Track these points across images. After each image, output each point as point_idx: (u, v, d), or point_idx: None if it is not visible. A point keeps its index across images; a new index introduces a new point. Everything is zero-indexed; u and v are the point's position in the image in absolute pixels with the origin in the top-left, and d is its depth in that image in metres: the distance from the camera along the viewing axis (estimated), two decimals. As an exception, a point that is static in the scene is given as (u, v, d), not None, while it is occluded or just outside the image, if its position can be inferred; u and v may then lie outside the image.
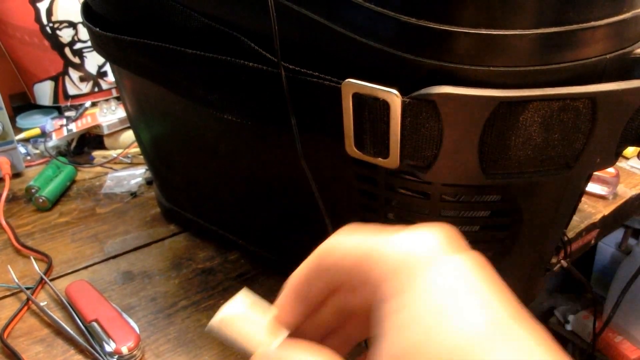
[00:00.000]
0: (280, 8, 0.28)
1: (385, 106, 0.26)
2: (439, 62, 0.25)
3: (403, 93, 0.25)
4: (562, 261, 0.41)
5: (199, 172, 0.43)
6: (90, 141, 0.65)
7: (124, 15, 0.38)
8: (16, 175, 0.58)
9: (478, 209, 0.31)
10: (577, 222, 0.50)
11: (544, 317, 0.98)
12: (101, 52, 0.41)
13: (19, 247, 0.46)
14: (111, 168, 0.60)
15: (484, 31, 0.24)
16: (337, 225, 0.33)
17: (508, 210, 0.30)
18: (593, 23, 0.25)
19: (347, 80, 0.26)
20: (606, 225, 0.52)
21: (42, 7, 0.65)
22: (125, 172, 0.58)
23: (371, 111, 0.26)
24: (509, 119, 0.25)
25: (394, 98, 0.25)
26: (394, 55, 0.26)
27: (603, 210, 0.51)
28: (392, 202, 0.31)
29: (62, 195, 0.55)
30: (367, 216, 0.33)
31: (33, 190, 0.53)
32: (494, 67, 0.25)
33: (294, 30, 0.28)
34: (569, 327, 0.93)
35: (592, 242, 0.53)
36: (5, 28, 0.68)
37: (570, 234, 0.48)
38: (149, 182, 0.57)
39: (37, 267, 0.42)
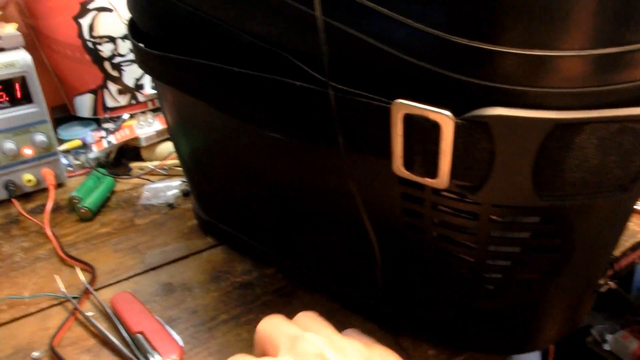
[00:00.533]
0: (329, 28, 0.28)
1: (436, 127, 0.26)
2: (490, 82, 0.25)
3: (453, 113, 0.25)
4: (609, 282, 0.40)
5: (238, 186, 0.44)
6: (127, 153, 0.67)
7: (169, 32, 0.40)
8: (59, 185, 0.60)
9: (527, 230, 0.30)
10: (622, 241, 0.48)
11: (580, 335, 0.95)
12: (145, 68, 0.43)
13: (64, 256, 0.47)
14: (148, 179, 0.61)
15: (537, 52, 0.24)
16: (381, 243, 0.33)
17: (559, 232, 0.30)
18: (651, 43, 0.24)
19: (397, 101, 0.26)
20: (651, 243, 0.50)
21: (85, 23, 0.68)
22: (162, 184, 0.59)
23: (421, 132, 0.26)
24: (564, 141, 0.25)
25: (446, 119, 0.25)
26: (443, 75, 0.26)
27: (648, 228, 0.50)
28: (437, 221, 0.31)
29: (103, 205, 0.56)
30: (411, 235, 0.33)
31: (75, 201, 0.55)
32: (548, 88, 0.25)
33: (342, 50, 0.28)
34: (607, 347, 0.90)
35: (637, 260, 0.51)
36: (50, 43, 0.70)
37: (616, 252, 0.47)
38: (185, 194, 0.58)
39: (82, 278, 0.44)
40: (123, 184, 0.61)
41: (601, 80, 0.25)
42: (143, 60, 0.41)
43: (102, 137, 0.66)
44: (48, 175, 0.58)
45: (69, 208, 0.56)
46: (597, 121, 0.24)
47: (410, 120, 0.26)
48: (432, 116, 0.26)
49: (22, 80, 0.56)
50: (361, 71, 0.28)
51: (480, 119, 0.25)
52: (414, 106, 0.26)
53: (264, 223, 0.44)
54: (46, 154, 0.59)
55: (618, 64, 0.24)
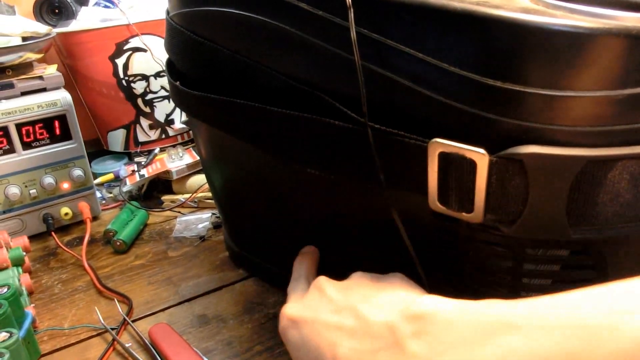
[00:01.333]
0: (366, 71, 0.30)
1: (471, 164, 0.27)
2: (522, 122, 0.26)
3: (487, 151, 0.27)
4: None
5: (271, 219, 0.45)
6: (159, 186, 0.69)
7: (208, 73, 0.42)
8: (94, 218, 0.62)
9: (561, 262, 0.31)
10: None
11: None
12: (182, 106, 0.45)
13: (102, 288, 0.49)
14: (179, 212, 0.63)
15: (566, 93, 0.26)
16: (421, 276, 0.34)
17: (592, 265, 0.30)
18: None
19: (434, 140, 0.28)
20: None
21: (120, 62, 0.71)
22: (193, 216, 0.61)
23: (457, 169, 0.28)
24: (597, 177, 0.26)
25: (481, 157, 0.27)
26: (477, 115, 0.27)
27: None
28: (471, 253, 0.32)
29: (137, 238, 0.58)
30: (446, 267, 0.33)
31: (111, 234, 0.57)
32: (579, 127, 0.26)
33: (379, 91, 0.30)
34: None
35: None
36: (86, 82, 0.74)
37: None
38: (216, 226, 0.59)
39: (120, 309, 0.45)
40: (155, 217, 0.63)
41: (630, 118, 0.26)
42: (180, 99, 0.44)
43: (134, 171, 0.69)
44: (85, 208, 0.60)
45: (104, 241, 0.57)
46: (628, 157, 0.25)
47: (446, 158, 0.28)
48: (468, 154, 0.27)
49: (63, 118, 0.59)
50: (398, 111, 0.30)
51: (515, 156, 0.26)
52: (450, 145, 0.27)
53: (296, 255, 0.45)
54: (83, 188, 0.61)
55: (646, 103, 0.26)
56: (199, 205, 0.64)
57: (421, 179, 0.29)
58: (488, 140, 0.27)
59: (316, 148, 0.33)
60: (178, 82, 0.45)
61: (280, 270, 0.47)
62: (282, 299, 0.46)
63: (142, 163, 0.71)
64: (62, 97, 0.58)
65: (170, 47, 0.45)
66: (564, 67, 0.25)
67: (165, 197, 0.66)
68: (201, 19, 0.40)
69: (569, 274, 0.31)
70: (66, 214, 0.60)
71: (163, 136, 0.76)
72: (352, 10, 0.29)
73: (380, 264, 0.38)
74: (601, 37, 0.25)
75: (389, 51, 0.29)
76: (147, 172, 0.68)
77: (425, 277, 0.35)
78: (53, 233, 0.57)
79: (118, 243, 0.55)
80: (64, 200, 0.60)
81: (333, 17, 0.31)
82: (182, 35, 0.42)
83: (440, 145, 0.27)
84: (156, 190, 0.69)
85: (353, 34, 0.29)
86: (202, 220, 0.60)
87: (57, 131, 0.59)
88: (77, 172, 0.60)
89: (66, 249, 0.55)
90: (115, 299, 0.47)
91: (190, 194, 0.65)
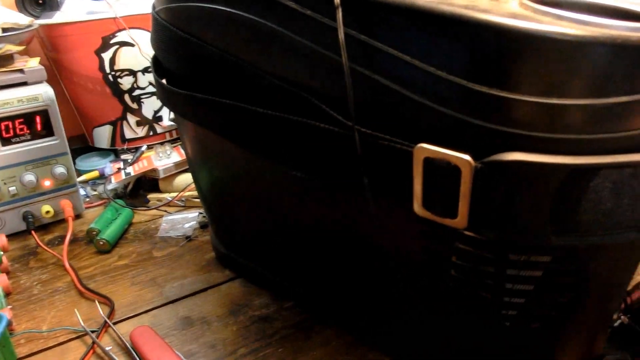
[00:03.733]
0: (354, 73, 0.29)
1: (456, 170, 0.27)
2: (508, 128, 0.26)
3: (473, 157, 0.26)
4: (622, 317, 0.40)
5: (257, 220, 0.45)
6: (145, 184, 0.68)
7: (194, 71, 0.41)
8: (77, 216, 0.61)
9: (542, 269, 0.31)
10: (634, 274, 0.49)
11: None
12: (168, 104, 0.44)
13: (83, 289, 0.48)
14: (166, 211, 0.62)
15: (553, 100, 0.25)
16: (401, 280, 0.33)
17: (573, 271, 0.30)
18: (662, 91, 0.26)
19: (419, 145, 0.27)
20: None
21: (106, 57, 0.70)
22: (179, 216, 0.61)
23: (442, 174, 0.27)
24: (580, 185, 0.26)
25: (465, 163, 0.26)
26: (463, 120, 0.27)
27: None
28: (455, 259, 0.32)
29: (121, 237, 0.57)
30: (430, 272, 0.33)
31: (94, 233, 0.56)
32: (564, 134, 0.26)
33: (366, 94, 0.30)
34: (620, 379, 0.89)
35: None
36: (71, 76, 0.73)
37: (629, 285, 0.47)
38: (202, 226, 0.58)
39: (101, 311, 0.44)
40: (141, 215, 0.62)
41: (614, 127, 0.26)
42: (166, 97, 0.43)
43: (120, 169, 0.68)
44: (67, 207, 0.59)
45: (87, 240, 0.57)
46: (611, 166, 0.25)
47: (431, 163, 0.28)
48: (453, 160, 0.27)
49: (44, 114, 0.57)
50: (384, 114, 0.30)
51: (499, 163, 0.26)
52: (436, 150, 0.27)
53: (282, 257, 0.45)
54: (65, 185, 0.60)
55: (630, 111, 0.26)
56: (186, 205, 0.64)
57: (406, 183, 0.29)
58: (474, 146, 0.27)
59: (302, 150, 0.33)
60: (164, 80, 0.44)
61: (267, 271, 0.47)
62: (268, 301, 0.46)
63: (129, 161, 0.70)
64: (43, 91, 0.57)
65: (155, 43, 0.44)
66: (549, 74, 0.25)
67: (151, 196, 0.65)
68: (188, 15, 0.39)
69: (551, 280, 0.31)
70: (47, 212, 0.59)
71: (151, 133, 0.75)
72: (340, 10, 0.29)
73: (361, 267, 0.38)
74: (587, 45, 0.24)
75: (377, 53, 0.29)
76: (133, 170, 0.67)
77: (410, 283, 0.35)
78: (33, 232, 0.56)
79: (101, 242, 0.54)
80: (45, 197, 0.59)
81: (321, 17, 0.30)
82: (167, 32, 0.41)
83: (426, 150, 0.27)
84: (142, 188, 0.68)
85: (341, 35, 0.29)
86: (188, 220, 0.59)
87: (39, 127, 0.57)
88: (60, 169, 0.59)
89: (47, 248, 0.54)
90: (97, 301, 0.46)
91: (178, 193, 0.64)
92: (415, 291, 0.35)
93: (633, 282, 0.50)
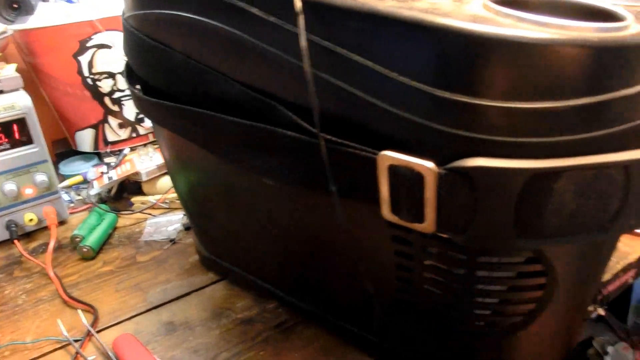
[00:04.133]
0: (318, 80, 0.29)
1: (420, 177, 0.27)
2: (472, 133, 0.26)
3: (438, 162, 0.26)
4: (598, 309, 0.41)
5: (236, 224, 0.45)
6: (128, 187, 0.68)
7: (161, 77, 0.41)
8: (61, 222, 0.61)
9: (513, 270, 0.31)
10: (613, 263, 0.49)
11: (582, 347, 0.95)
12: (142, 111, 0.44)
13: (67, 298, 0.48)
14: (150, 214, 0.62)
15: (515, 104, 0.25)
16: (375, 284, 0.34)
17: (542, 271, 0.31)
18: (625, 92, 0.26)
19: (382, 152, 0.27)
20: (644, 264, 0.51)
21: (84, 60, 0.69)
22: (163, 218, 0.61)
23: (406, 181, 0.27)
24: (543, 188, 0.26)
25: (428, 170, 0.26)
26: (428, 126, 0.27)
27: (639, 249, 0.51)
28: (426, 261, 0.32)
29: (105, 243, 0.57)
30: (402, 275, 0.34)
31: (77, 239, 0.56)
32: (526, 138, 0.26)
33: (330, 101, 0.30)
34: (608, 359, 0.90)
35: (629, 281, 0.52)
36: (49, 81, 0.72)
37: (606, 275, 0.47)
38: (187, 228, 0.59)
39: (84, 320, 0.44)
40: (125, 219, 0.62)
41: (576, 130, 0.26)
42: (139, 103, 0.43)
43: (103, 173, 0.68)
44: (50, 214, 0.59)
45: (71, 246, 0.57)
46: (574, 169, 0.25)
47: (396, 170, 0.28)
48: (416, 167, 0.27)
49: (22, 122, 0.57)
50: (349, 121, 0.30)
51: (462, 169, 0.26)
52: (399, 158, 0.27)
53: (263, 259, 0.45)
54: (47, 192, 0.60)
55: (591, 113, 0.26)
56: (170, 207, 0.64)
57: (373, 189, 0.29)
58: (439, 152, 0.27)
59: (270, 158, 0.33)
60: (138, 86, 0.44)
61: (249, 274, 0.47)
62: (251, 303, 0.46)
63: (112, 164, 0.69)
64: (20, 99, 0.57)
65: (126, 50, 0.44)
66: (510, 78, 0.25)
67: (135, 199, 0.65)
68: (154, 22, 0.38)
69: (522, 281, 0.31)
70: (31, 219, 0.59)
71: (134, 135, 0.75)
72: (302, 16, 0.28)
73: (335, 269, 0.38)
74: (546, 48, 0.24)
75: (341, 60, 0.28)
76: (116, 174, 0.66)
77: (383, 286, 0.35)
78: (16, 241, 0.56)
79: (85, 249, 0.54)
80: (28, 206, 0.59)
81: (284, 24, 0.30)
82: (136, 39, 0.41)
83: (389, 158, 0.27)
84: (126, 191, 0.68)
85: (302, 41, 0.28)
86: (172, 222, 0.60)
87: (17, 135, 0.57)
88: (41, 177, 0.58)
89: (30, 257, 0.54)
90: (80, 309, 0.46)
91: (161, 195, 0.64)
92: (390, 295, 0.35)
93: (612, 272, 0.50)
